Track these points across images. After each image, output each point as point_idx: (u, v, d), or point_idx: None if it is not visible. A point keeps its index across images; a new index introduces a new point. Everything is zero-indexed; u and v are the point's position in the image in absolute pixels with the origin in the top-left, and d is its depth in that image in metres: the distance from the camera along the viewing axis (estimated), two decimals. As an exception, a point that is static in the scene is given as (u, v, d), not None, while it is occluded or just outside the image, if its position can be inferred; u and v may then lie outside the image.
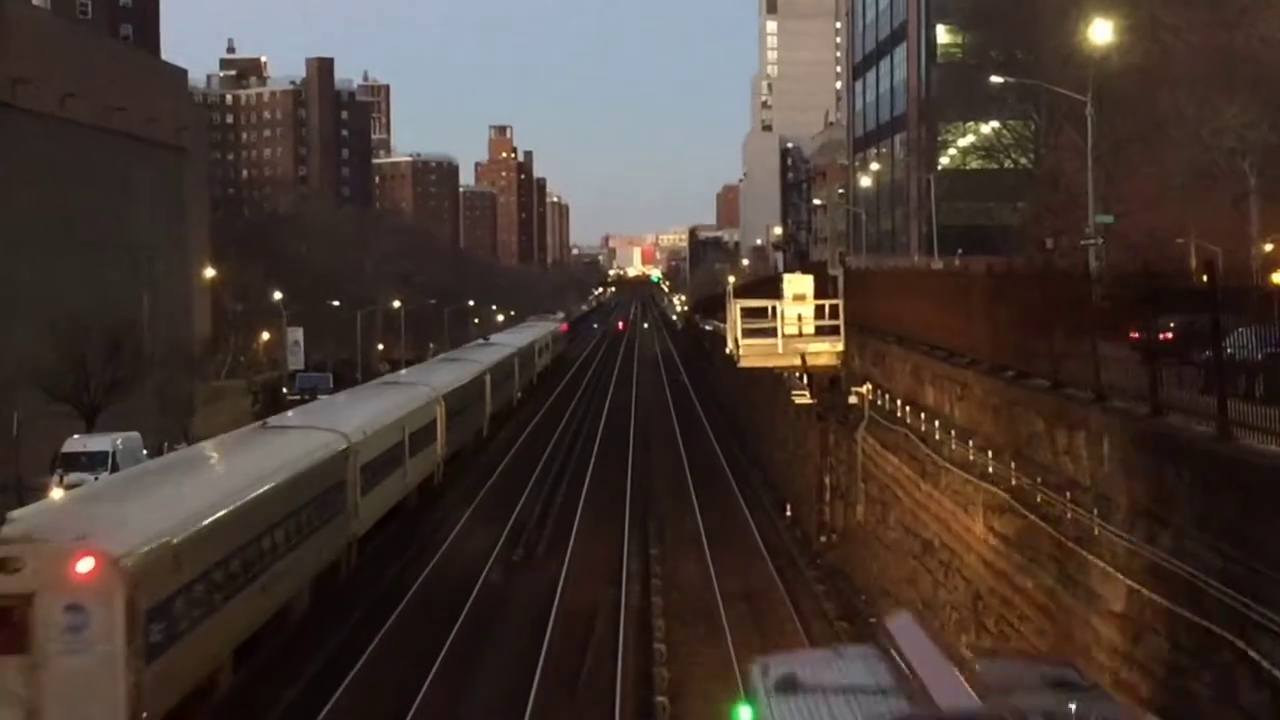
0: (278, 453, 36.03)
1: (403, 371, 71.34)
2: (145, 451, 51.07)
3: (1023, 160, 77.23)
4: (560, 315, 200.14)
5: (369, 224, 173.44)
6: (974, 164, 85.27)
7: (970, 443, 26.91)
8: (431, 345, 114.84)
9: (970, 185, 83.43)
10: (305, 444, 37.78)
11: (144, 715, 23.39)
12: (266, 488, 32.10)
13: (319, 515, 35.89)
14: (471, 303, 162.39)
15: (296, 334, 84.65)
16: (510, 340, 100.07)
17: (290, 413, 51.57)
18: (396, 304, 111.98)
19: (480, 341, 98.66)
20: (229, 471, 34.35)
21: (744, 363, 48.59)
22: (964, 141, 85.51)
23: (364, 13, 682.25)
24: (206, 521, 27.71)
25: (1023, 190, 72.75)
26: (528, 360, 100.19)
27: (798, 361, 49.81)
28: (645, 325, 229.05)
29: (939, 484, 29.01)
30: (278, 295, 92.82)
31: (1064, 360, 22.24)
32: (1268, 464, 14.87)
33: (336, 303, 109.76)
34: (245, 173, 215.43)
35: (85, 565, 23.03)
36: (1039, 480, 22.11)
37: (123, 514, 26.82)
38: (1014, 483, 23.39)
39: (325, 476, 37.02)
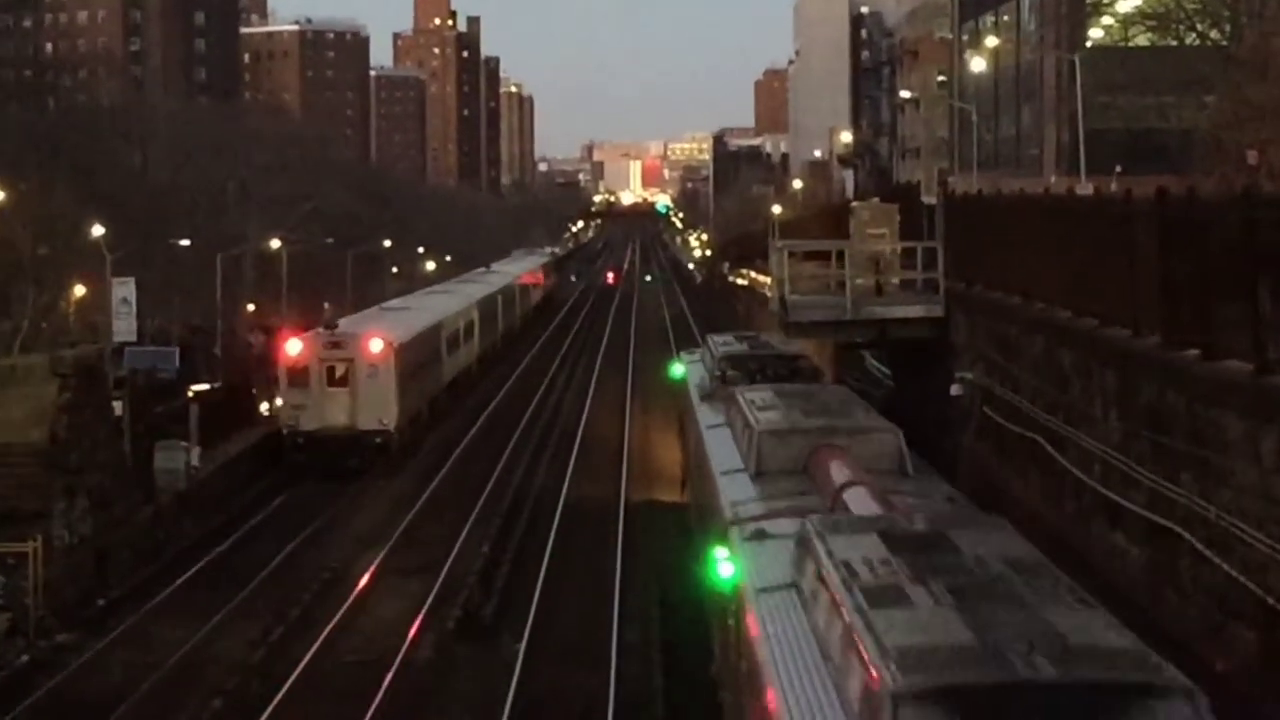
0: (424, 316, 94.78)
1: (457, 280, 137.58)
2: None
3: (1213, 34, 77.29)
4: (548, 250, 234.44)
5: (235, 124, 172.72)
6: (1140, 39, 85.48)
7: (1124, 448, 26.98)
8: (327, 305, 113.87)
9: (1135, 70, 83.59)
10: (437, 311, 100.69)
11: (396, 413, 75.67)
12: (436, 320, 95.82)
13: (452, 345, 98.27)
14: (388, 243, 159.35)
15: (126, 288, 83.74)
16: (509, 269, 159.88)
17: (400, 299, 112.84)
18: (275, 244, 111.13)
19: (482, 270, 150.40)
20: (424, 311, 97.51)
21: (795, 334, 49.13)
22: (1125, 6, 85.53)
23: None
24: (429, 329, 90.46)
25: (1214, 79, 72.77)
26: (525, 291, 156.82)
27: (874, 331, 50.31)
28: (648, 279, 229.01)
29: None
30: (98, 230, 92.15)
31: (1273, 331, 22.26)
32: None
33: (186, 241, 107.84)
34: (50, 47, 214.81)
35: (377, 345, 75.77)
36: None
37: (392, 322, 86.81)
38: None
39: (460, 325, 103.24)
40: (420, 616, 47.07)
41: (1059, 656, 14.23)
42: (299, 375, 74.88)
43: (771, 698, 17.66)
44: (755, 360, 48.85)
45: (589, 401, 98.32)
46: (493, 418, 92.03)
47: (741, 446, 34.23)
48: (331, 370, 74.75)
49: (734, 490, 30.80)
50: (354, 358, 75.56)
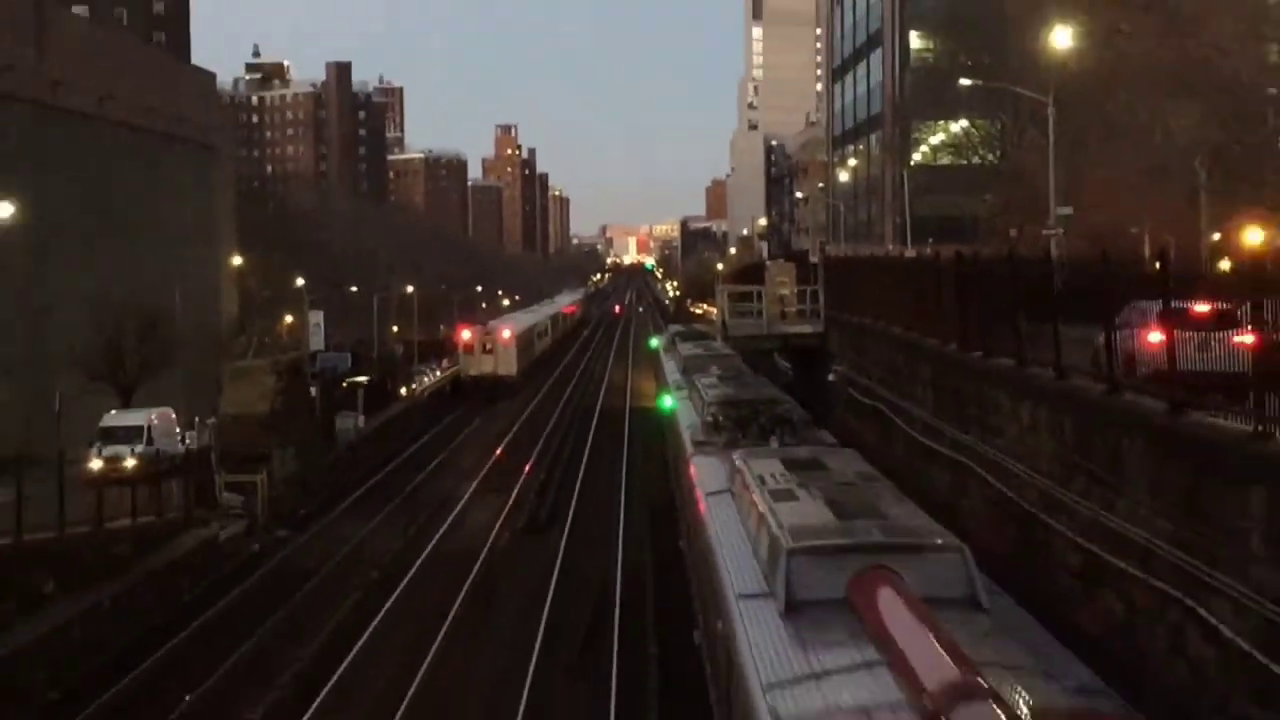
0: (524, 321, 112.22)
1: (535, 305, 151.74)
2: (178, 428, 51.11)
3: (989, 157, 77.13)
4: (587, 288, 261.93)
5: (384, 216, 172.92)
6: (944, 160, 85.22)
7: (935, 413, 26.94)
8: (441, 327, 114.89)
9: (941, 180, 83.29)
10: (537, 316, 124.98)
11: (516, 368, 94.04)
12: (538, 318, 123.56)
13: (541, 337, 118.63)
14: (480, 289, 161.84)
15: (317, 317, 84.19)
16: (561, 300, 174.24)
17: (509, 315, 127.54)
18: (409, 289, 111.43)
19: (546, 301, 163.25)
20: (523, 319, 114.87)
21: (732, 345, 49.23)
22: (935, 139, 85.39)
23: (380, 20, 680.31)
24: (529, 328, 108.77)
25: (989, 184, 72.60)
26: (568, 315, 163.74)
27: (779, 341, 50.12)
28: (640, 309, 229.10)
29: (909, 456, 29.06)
30: (300, 281, 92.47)
31: (1027, 341, 22.25)
32: (1218, 439, 14.87)
33: (354, 288, 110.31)
34: (269, 168, 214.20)
35: (505, 334, 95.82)
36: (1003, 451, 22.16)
37: (510, 324, 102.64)
38: (982, 454, 23.44)
39: (542, 328, 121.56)
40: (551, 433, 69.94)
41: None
42: (469, 347, 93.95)
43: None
44: (747, 407, 30.38)
45: (609, 363, 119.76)
46: (561, 370, 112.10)
47: (762, 558, 15.84)
48: (484, 345, 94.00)
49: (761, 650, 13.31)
50: (495, 339, 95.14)
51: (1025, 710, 9.78)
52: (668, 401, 41.57)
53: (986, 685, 9.32)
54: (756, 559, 15.20)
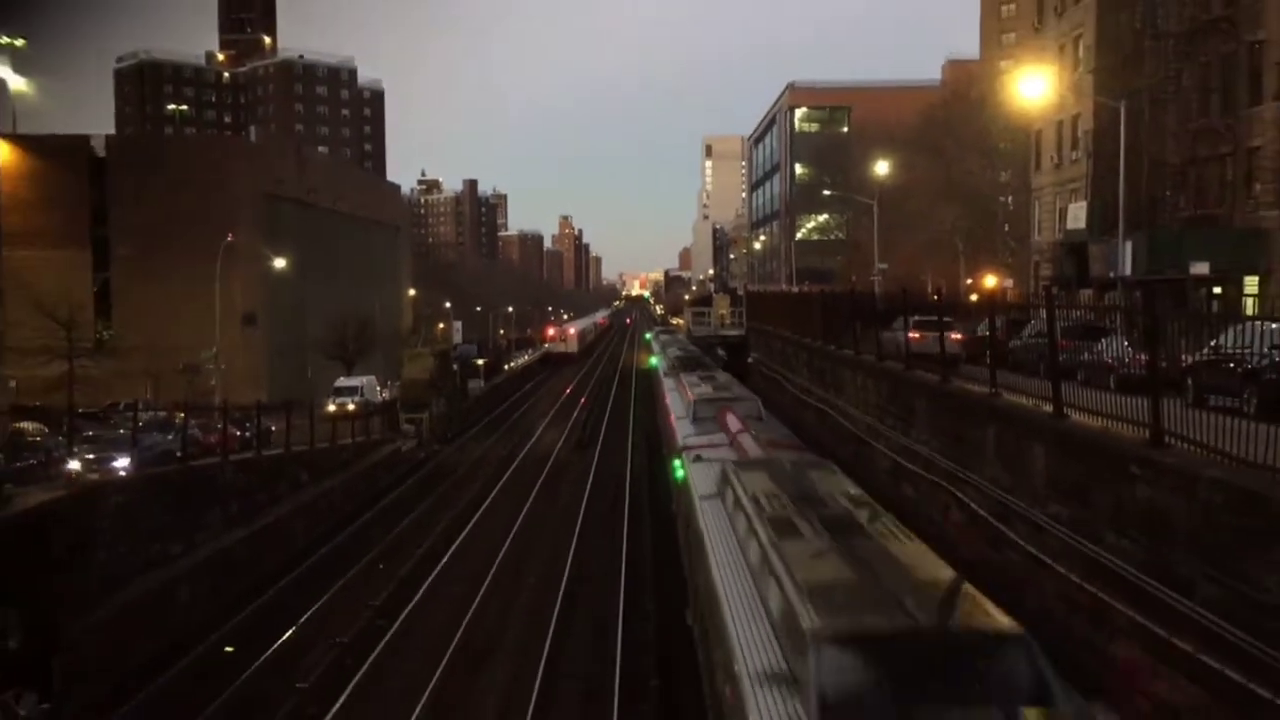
0: (579, 324, 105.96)
1: (582, 318, 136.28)
2: (378, 386, 50.91)
3: (840, 234, 76.85)
4: (610, 308, 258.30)
5: (495, 267, 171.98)
6: (815, 236, 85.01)
7: (809, 381, 26.80)
8: (529, 330, 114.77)
9: (812, 248, 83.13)
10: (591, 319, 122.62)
11: (578, 348, 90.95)
12: (594, 320, 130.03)
13: (588, 334, 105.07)
14: (550, 309, 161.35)
15: (457, 325, 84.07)
16: (602, 312, 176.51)
17: (574, 322, 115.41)
18: (509, 309, 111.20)
19: (593, 314, 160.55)
20: (577, 323, 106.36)
21: (693, 342, 48.75)
22: (809, 224, 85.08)
23: (497, 150, 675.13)
24: (583, 329, 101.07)
25: (840, 250, 72.40)
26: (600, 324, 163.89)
27: (720, 339, 49.76)
28: (641, 322, 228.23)
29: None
30: (447, 304, 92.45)
31: (860, 339, 22.15)
32: (970, 397, 14.87)
33: (478, 308, 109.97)
34: (430, 240, 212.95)
35: (571, 330, 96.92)
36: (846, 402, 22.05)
37: (573, 325, 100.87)
38: (831, 400, 23.31)
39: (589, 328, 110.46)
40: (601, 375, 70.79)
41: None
42: (553, 339, 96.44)
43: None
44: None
45: (625, 346, 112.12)
46: (599, 351, 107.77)
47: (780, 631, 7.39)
48: (561, 337, 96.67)
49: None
50: (566, 332, 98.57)
51: None
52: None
53: None
54: (772, 627, 7.49)
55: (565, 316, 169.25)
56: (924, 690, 6.12)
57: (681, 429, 19.45)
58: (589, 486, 32.69)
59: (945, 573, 7.91)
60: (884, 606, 6.93)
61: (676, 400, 23.93)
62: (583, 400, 59.39)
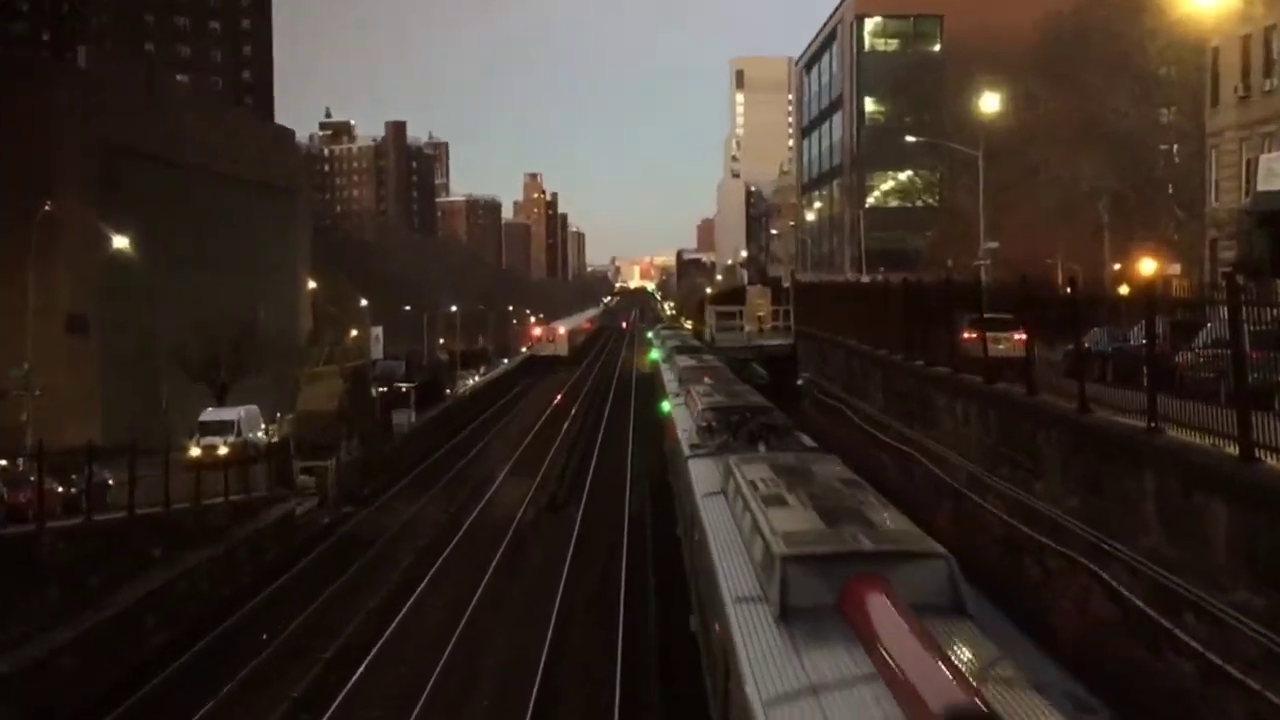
0: (569, 323, 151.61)
1: (568, 318, 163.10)
2: (262, 421, 51.01)
3: (930, 200, 77.17)
4: (600, 307, 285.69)
5: (432, 248, 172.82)
6: (893, 202, 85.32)
7: (886, 412, 26.86)
8: (480, 338, 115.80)
9: (889, 219, 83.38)
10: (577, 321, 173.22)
11: (567, 349, 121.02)
12: (578, 322, 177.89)
13: (578, 335, 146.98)
14: (510, 308, 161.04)
15: (377, 331, 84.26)
16: (589, 312, 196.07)
17: (556, 321, 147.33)
18: (453, 308, 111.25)
19: (582, 312, 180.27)
20: (567, 323, 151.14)
21: (719, 355, 49.02)
22: (885, 186, 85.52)
23: (430, 83, 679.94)
24: (573, 326, 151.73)
25: (930, 222, 72.69)
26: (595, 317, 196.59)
27: (756, 351, 49.99)
28: (643, 325, 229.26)
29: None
30: (363, 302, 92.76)
31: (957, 350, 22.19)
32: (1116, 431, 14.88)
33: (408, 307, 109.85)
34: (338, 208, 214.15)
35: (561, 330, 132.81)
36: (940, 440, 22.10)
37: (562, 325, 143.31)
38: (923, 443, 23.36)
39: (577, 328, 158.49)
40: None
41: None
42: (539, 339, 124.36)
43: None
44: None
45: (623, 350, 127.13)
46: (593, 353, 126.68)
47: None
48: (548, 336, 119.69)
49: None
50: (555, 332, 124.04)
51: None
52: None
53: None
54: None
55: (534, 319, 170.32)
56: None
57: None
58: (563, 578, 32.42)
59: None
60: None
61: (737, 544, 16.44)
62: (555, 445, 59.77)
